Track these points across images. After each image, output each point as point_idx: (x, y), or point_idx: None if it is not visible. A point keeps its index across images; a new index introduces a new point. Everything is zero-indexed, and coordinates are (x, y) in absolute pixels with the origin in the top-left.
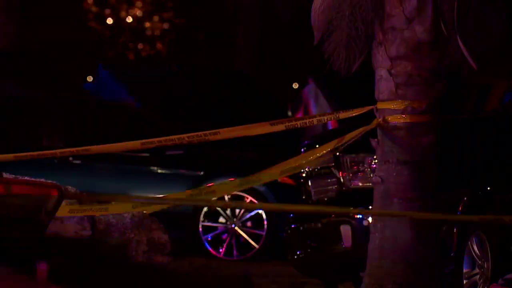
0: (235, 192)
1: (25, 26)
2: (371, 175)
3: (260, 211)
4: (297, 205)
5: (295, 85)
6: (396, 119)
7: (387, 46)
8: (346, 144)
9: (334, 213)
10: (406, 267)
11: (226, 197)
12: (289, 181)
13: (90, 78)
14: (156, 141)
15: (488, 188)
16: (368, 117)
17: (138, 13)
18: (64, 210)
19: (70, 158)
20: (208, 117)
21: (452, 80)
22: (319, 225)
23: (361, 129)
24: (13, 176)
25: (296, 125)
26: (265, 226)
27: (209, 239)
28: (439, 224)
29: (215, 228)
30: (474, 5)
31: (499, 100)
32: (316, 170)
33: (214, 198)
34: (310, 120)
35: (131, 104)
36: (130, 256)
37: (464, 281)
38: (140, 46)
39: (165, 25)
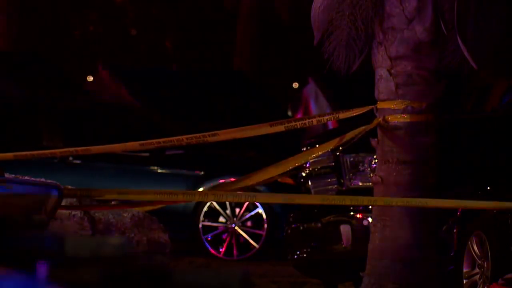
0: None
1: (25, 26)
2: (371, 175)
3: (260, 211)
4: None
5: (295, 85)
6: (396, 119)
7: (387, 46)
8: (346, 145)
9: (344, 203)
10: (406, 267)
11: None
12: (289, 181)
13: (90, 78)
14: (155, 142)
15: (488, 188)
16: (368, 117)
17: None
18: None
19: (70, 158)
20: (208, 117)
21: (452, 80)
22: (319, 225)
23: (361, 128)
24: (13, 176)
25: (296, 126)
26: (265, 226)
27: (209, 238)
28: (439, 224)
29: (215, 228)
30: (474, 5)
31: (499, 100)
32: (316, 170)
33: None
34: (310, 120)
35: (131, 104)
36: (130, 256)
37: (464, 281)
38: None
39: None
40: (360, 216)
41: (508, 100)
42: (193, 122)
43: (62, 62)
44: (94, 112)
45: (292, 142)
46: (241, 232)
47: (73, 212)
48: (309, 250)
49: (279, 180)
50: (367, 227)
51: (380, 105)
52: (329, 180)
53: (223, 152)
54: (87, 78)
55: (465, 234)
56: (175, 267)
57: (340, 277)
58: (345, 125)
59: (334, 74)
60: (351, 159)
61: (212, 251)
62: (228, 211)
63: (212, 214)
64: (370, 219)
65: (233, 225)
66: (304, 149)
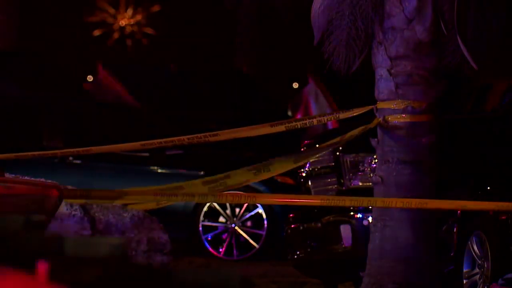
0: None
1: (25, 26)
2: (371, 175)
3: (260, 211)
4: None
5: (295, 85)
6: (396, 119)
7: (387, 46)
8: (345, 142)
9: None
10: (406, 267)
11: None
12: (289, 180)
13: (90, 78)
14: (156, 142)
15: (488, 188)
16: (368, 117)
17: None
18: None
19: (70, 158)
20: (208, 117)
21: (452, 80)
22: (319, 225)
23: (361, 128)
24: (13, 176)
25: (296, 126)
26: (265, 226)
27: (209, 238)
28: (439, 224)
29: (215, 227)
30: (474, 5)
31: (499, 100)
32: (316, 169)
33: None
34: (310, 120)
35: (131, 104)
36: (130, 256)
37: (464, 281)
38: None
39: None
40: (360, 216)
41: (508, 100)
42: (193, 121)
43: (62, 62)
44: (94, 112)
45: (292, 142)
46: (241, 232)
47: (73, 212)
48: (309, 250)
49: (279, 180)
50: (367, 227)
51: (380, 105)
52: (329, 180)
53: (223, 152)
54: (87, 78)
55: (465, 234)
56: (175, 267)
57: (340, 277)
58: (345, 125)
59: (334, 74)
60: (351, 159)
61: (212, 251)
62: (228, 211)
63: (212, 214)
64: (370, 219)
65: (233, 225)
66: (303, 149)
